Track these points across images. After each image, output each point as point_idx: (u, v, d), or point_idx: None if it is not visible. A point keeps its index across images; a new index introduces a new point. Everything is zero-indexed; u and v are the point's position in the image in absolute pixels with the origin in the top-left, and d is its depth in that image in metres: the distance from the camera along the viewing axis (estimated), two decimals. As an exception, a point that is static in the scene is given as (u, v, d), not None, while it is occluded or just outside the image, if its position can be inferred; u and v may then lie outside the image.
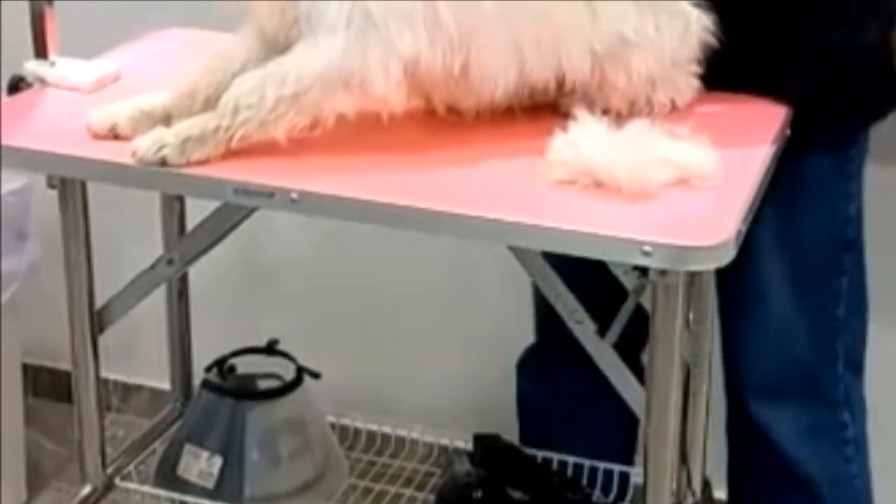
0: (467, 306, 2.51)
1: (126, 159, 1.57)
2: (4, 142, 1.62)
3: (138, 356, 2.73)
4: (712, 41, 1.72)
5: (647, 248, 1.42)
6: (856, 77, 1.81)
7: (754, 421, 1.94)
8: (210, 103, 1.64)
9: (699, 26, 1.72)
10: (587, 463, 2.03)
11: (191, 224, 2.02)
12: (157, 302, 2.04)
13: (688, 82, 1.74)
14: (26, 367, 2.63)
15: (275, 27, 1.62)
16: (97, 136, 1.63)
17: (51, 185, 1.77)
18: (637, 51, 1.66)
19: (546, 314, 2.00)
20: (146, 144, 1.57)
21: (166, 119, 1.64)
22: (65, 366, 2.73)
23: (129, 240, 2.52)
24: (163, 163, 1.55)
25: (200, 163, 1.56)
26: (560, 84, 1.68)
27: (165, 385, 2.26)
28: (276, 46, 1.62)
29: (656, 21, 1.67)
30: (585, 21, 1.64)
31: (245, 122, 1.56)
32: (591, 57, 1.65)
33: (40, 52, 1.84)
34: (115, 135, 1.63)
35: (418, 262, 2.50)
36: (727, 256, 1.44)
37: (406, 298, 2.58)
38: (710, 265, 1.47)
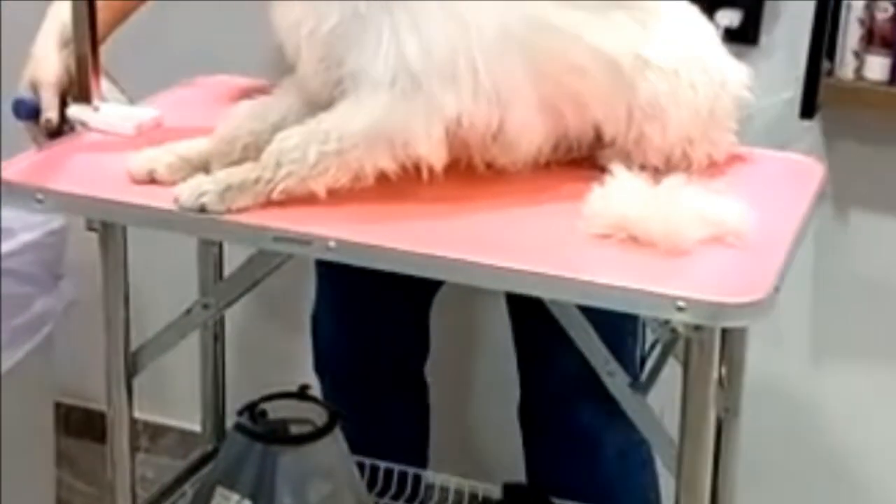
0: (499, 354, 2.51)
1: (166, 204, 1.59)
2: (47, 185, 1.65)
3: (168, 397, 2.74)
4: (748, 96, 1.74)
5: (681, 303, 1.43)
6: None
7: None
8: (249, 150, 1.65)
9: (736, 82, 1.73)
10: (615, 514, 2.03)
11: (227, 265, 2.04)
12: (188, 343, 2.04)
13: (725, 138, 1.75)
14: (58, 406, 2.64)
15: (319, 84, 1.64)
16: (136, 181, 1.65)
17: (90, 228, 1.79)
18: (674, 109, 1.67)
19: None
20: (187, 191, 1.59)
21: (204, 165, 1.66)
22: (96, 405, 2.76)
23: (162, 280, 2.54)
24: (203, 209, 1.57)
25: (239, 211, 1.58)
26: (597, 139, 1.69)
27: (193, 426, 2.27)
28: (317, 101, 1.64)
29: (692, 78, 1.68)
30: (621, 80, 1.65)
31: (287, 176, 1.58)
32: (628, 114, 1.67)
33: (83, 96, 1.86)
34: (152, 179, 1.65)
35: (450, 308, 2.51)
36: (763, 314, 1.44)
37: (437, 343, 2.58)
38: (744, 322, 1.48)
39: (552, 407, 2.13)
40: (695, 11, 1.74)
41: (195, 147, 1.68)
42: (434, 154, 1.59)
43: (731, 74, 1.73)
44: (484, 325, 2.57)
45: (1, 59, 2.41)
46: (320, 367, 2.29)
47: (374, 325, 2.22)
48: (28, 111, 1.86)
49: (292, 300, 2.59)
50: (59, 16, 1.86)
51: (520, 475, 2.21)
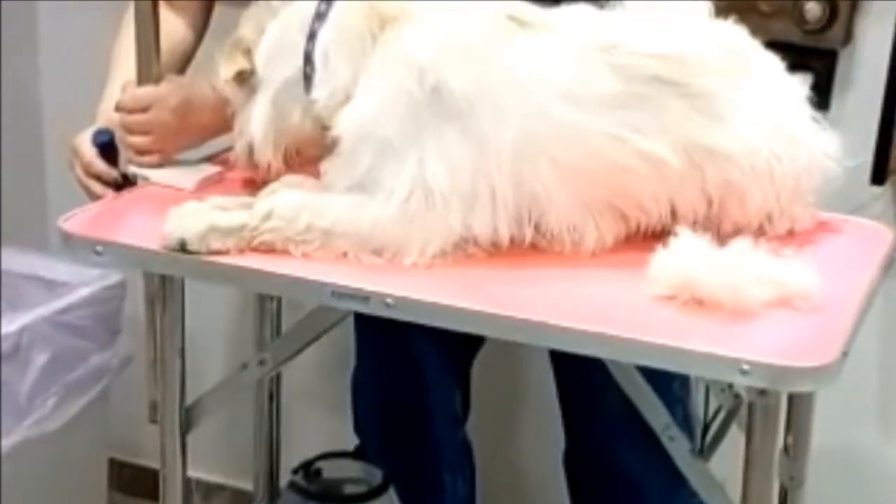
0: (542, 405, 2.48)
1: (226, 259, 1.58)
2: (106, 237, 1.65)
3: (219, 454, 2.72)
4: (834, 167, 1.68)
5: (745, 366, 1.40)
6: None
7: None
8: None
9: (819, 152, 1.66)
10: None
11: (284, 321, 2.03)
12: (240, 399, 2.03)
13: (806, 212, 1.68)
14: (110, 462, 2.63)
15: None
16: (166, 248, 1.61)
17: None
18: (753, 183, 1.61)
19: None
20: (170, 227, 1.58)
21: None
22: (146, 462, 2.75)
23: (216, 334, 2.54)
24: (182, 247, 1.57)
25: (218, 253, 1.58)
26: (673, 214, 1.64)
27: (244, 484, 2.25)
28: None
29: (774, 149, 1.61)
30: (675, 173, 1.60)
31: (271, 230, 1.58)
32: (704, 195, 1.62)
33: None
34: (182, 248, 1.60)
35: (492, 359, 2.48)
36: (830, 379, 1.41)
37: (488, 405, 2.56)
38: (810, 387, 1.45)
39: (598, 452, 2.10)
40: (782, 74, 1.68)
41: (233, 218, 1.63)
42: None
43: (816, 145, 1.66)
44: (526, 376, 2.54)
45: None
46: (361, 430, 2.27)
47: (414, 389, 2.19)
48: (104, 141, 1.87)
49: (347, 356, 2.58)
50: (128, 70, 1.88)
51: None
